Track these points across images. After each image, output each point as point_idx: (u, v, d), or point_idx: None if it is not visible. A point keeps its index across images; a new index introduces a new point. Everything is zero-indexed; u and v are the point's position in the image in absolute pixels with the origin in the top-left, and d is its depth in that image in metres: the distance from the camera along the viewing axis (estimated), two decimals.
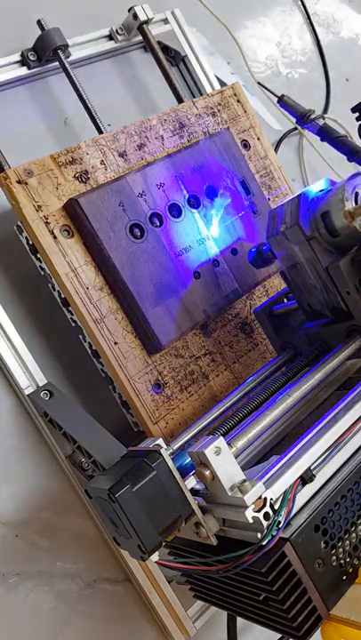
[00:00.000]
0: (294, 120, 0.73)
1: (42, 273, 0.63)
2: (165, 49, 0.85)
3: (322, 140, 0.70)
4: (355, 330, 0.56)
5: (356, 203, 0.53)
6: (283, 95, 0.73)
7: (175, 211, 0.67)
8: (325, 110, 1.03)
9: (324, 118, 0.71)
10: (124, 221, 0.63)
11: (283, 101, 0.73)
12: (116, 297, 0.62)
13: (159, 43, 0.82)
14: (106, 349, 0.61)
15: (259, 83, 0.82)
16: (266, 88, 0.77)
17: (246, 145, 0.76)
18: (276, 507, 0.43)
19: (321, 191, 0.56)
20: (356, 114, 0.62)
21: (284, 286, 0.74)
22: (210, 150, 0.71)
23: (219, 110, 0.75)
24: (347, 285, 0.54)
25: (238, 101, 0.77)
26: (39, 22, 0.72)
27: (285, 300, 0.66)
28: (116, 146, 0.66)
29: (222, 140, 0.73)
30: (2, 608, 0.61)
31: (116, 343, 0.61)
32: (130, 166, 0.67)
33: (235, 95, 0.77)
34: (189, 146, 0.70)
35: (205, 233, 0.68)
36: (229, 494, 0.43)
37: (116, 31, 0.80)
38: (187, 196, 0.68)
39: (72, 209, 0.61)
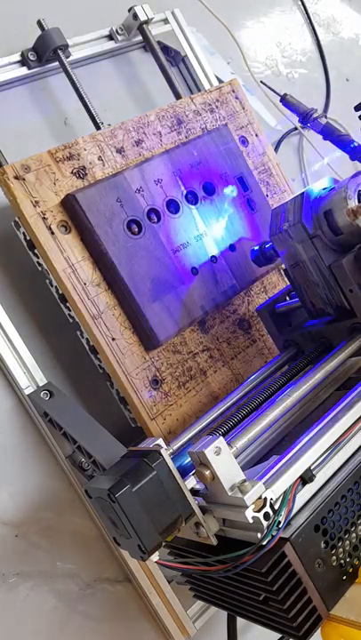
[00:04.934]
0: (296, 119, 0.72)
1: (39, 269, 0.63)
2: (165, 49, 0.85)
3: (324, 138, 0.70)
4: (357, 328, 0.56)
5: (359, 201, 0.53)
6: (285, 94, 0.73)
7: (173, 207, 0.67)
8: (325, 110, 1.03)
9: (326, 117, 0.71)
10: (121, 217, 0.63)
11: (285, 100, 0.73)
12: (113, 293, 0.62)
13: (159, 43, 0.82)
14: (103, 345, 0.61)
15: (262, 82, 0.82)
16: (268, 87, 0.77)
17: (244, 141, 0.76)
18: (276, 507, 0.42)
19: (324, 189, 0.56)
20: (360, 112, 0.62)
21: (282, 283, 0.73)
22: (208, 146, 0.71)
23: (217, 106, 0.75)
24: (350, 283, 0.54)
25: (236, 98, 0.77)
26: (39, 22, 0.72)
27: (288, 298, 0.66)
28: (113, 142, 0.66)
29: (220, 137, 0.72)
30: (2, 608, 0.61)
31: (113, 339, 0.61)
32: (127, 162, 0.67)
33: (233, 92, 0.77)
34: (187, 142, 0.70)
35: (203, 229, 0.68)
36: (229, 494, 0.42)
37: (116, 31, 0.80)
38: (184, 192, 0.68)
39: (69, 205, 0.61)
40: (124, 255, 0.62)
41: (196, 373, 0.66)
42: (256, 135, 0.77)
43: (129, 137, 0.67)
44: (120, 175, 0.64)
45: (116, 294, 0.62)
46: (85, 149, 0.64)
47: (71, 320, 0.63)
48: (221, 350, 0.69)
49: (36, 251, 0.61)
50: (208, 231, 0.69)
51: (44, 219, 0.60)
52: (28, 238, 0.61)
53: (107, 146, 0.66)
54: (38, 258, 0.61)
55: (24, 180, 0.59)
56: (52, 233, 0.60)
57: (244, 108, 0.77)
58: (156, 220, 0.65)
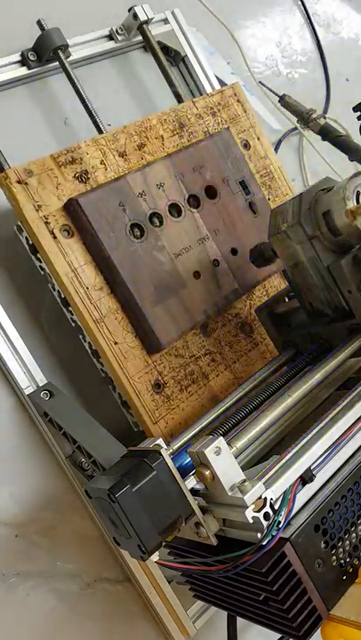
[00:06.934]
0: (295, 120, 0.73)
1: (42, 273, 0.63)
2: (165, 49, 0.85)
3: (323, 139, 0.70)
4: (356, 329, 0.56)
5: (358, 202, 0.53)
6: (284, 95, 0.74)
7: (175, 210, 0.67)
8: (325, 110, 1.03)
9: (325, 118, 0.71)
10: (124, 221, 0.63)
11: (284, 101, 0.73)
12: (115, 297, 0.63)
13: (159, 43, 0.82)
14: (106, 349, 0.61)
15: (260, 82, 0.82)
16: (267, 87, 0.77)
17: (246, 145, 0.77)
18: (276, 507, 0.43)
19: (323, 190, 0.56)
20: (358, 113, 0.62)
21: (285, 286, 0.74)
22: (210, 150, 0.71)
23: (219, 110, 0.75)
24: (348, 284, 0.54)
25: (238, 101, 0.78)
26: (39, 22, 0.72)
27: (287, 299, 0.66)
28: (115, 146, 0.66)
29: (222, 140, 0.73)
30: (2, 608, 0.61)
31: (115, 343, 0.61)
32: (130, 166, 0.67)
33: (235, 95, 0.78)
34: (189, 146, 0.70)
35: (205, 233, 0.68)
36: (229, 494, 0.43)
37: (116, 31, 0.80)
38: (187, 196, 0.68)
39: (72, 209, 0.61)
40: (127, 259, 0.62)
41: (198, 377, 0.66)
42: (258, 139, 0.78)
43: (131, 141, 0.67)
44: (122, 179, 0.64)
45: (118, 298, 0.62)
46: (88, 153, 0.64)
47: (73, 324, 0.63)
48: (223, 354, 0.69)
49: (38, 255, 0.61)
50: (210, 235, 0.69)
51: (46, 223, 0.60)
52: (30, 242, 0.61)
53: (109, 150, 0.66)
54: (41, 262, 0.62)
55: (26, 184, 0.60)
56: (55, 237, 0.60)
57: (245, 112, 0.77)
58: (158, 223, 0.65)
